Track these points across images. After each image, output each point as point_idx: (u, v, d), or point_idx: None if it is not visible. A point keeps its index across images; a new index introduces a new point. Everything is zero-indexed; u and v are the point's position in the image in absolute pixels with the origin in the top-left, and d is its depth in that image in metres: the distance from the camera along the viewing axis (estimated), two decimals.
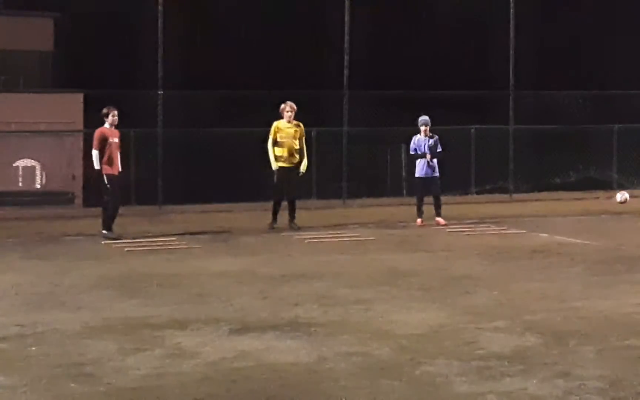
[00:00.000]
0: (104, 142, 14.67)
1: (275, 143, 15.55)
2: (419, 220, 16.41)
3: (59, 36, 26.83)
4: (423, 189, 16.56)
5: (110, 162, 14.68)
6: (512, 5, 22.62)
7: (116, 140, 14.85)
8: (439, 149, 16.57)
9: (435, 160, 16.42)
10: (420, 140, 16.47)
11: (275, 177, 15.68)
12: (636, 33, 27.64)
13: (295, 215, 15.75)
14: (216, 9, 27.98)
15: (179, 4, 22.69)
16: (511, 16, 22.64)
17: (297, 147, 15.61)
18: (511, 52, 22.64)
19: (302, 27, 27.77)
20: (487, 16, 26.09)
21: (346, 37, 21.57)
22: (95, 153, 14.68)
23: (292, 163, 15.60)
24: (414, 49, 28.37)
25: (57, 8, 26.45)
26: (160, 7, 20.13)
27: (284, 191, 15.66)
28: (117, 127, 14.92)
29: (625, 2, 27.69)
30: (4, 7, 26.95)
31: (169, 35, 20.39)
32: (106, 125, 14.83)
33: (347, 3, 21.51)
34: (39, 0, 26.25)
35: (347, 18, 21.57)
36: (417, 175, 16.62)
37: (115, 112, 14.87)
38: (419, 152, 16.48)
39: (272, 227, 15.58)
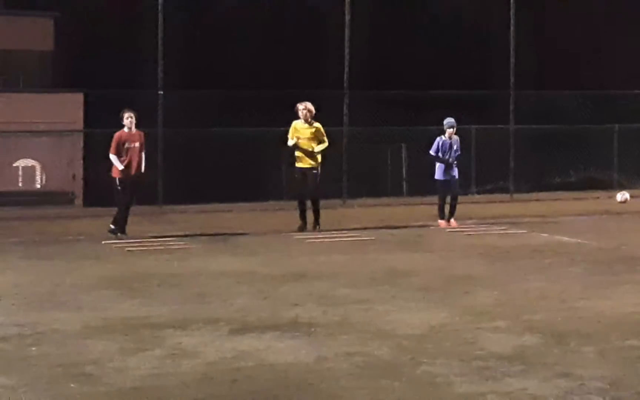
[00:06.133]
0: (121, 146, 14.64)
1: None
2: (441, 221, 16.33)
3: (59, 36, 26.82)
4: (444, 190, 16.47)
5: (128, 166, 14.65)
6: (512, 5, 22.61)
7: (136, 144, 14.75)
8: (459, 152, 16.56)
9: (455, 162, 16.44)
10: (446, 143, 16.35)
11: (294, 178, 15.62)
12: (636, 33, 27.64)
13: (319, 216, 15.52)
14: (216, 8, 27.98)
15: (179, 4, 22.68)
16: (511, 16, 22.64)
17: (315, 148, 15.36)
18: (511, 52, 22.64)
19: (302, 27, 27.77)
20: (487, 16, 26.10)
21: (346, 37, 21.57)
22: (112, 157, 14.65)
23: (310, 164, 15.42)
24: (414, 49, 28.37)
25: (57, 8, 26.43)
26: (160, 7, 20.13)
27: (304, 192, 15.52)
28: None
29: (625, 1, 27.70)
30: (4, 7, 26.94)
31: (169, 35, 20.38)
32: (125, 128, 14.79)
33: (347, 3, 21.50)
34: (38, 0, 26.24)
35: (347, 18, 21.57)
36: (437, 177, 16.47)
37: (131, 114, 14.76)
38: (440, 154, 16.35)
39: (303, 228, 15.42)
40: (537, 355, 7.07)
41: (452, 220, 16.36)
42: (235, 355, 7.14)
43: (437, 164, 16.41)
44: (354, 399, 6.05)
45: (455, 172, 16.50)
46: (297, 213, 15.68)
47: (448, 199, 16.49)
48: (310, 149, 15.33)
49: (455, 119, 16.63)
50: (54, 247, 13.95)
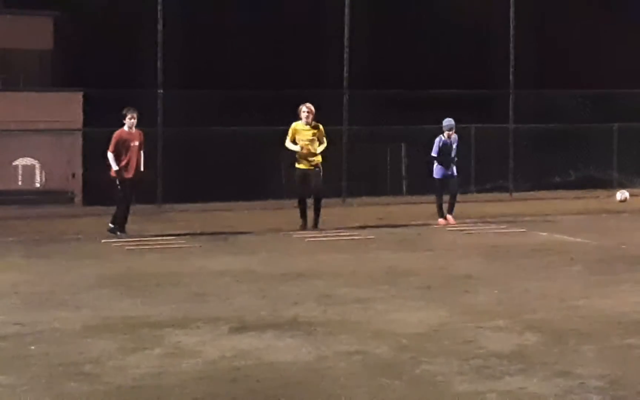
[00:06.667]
0: (120, 145, 14.64)
1: (294, 144, 15.40)
2: (441, 220, 16.34)
3: (59, 35, 26.83)
4: (443, 189, 16.49)
5: (126, 165, 14.65)
6: (512, 5, 22.61)
7: (136, 143, 14.75)
8: (458, 150, 16.59)
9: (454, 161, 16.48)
10: (446, 142, 16.36)
11: (295, 178, 15.66)
12: (636, 32, 27.64)
13: (320, 215, 15.52)
14: (216, 8, 27.97)
15: (179, 4, 22.68)
16: (511, 16, 22.64)
17: (316, 149, 15.33)
18: (511, 51, 22.64)
19: (303, 27, 27.76)
20: (487, 15, 26.09)
21: (346, 36, 21.57)
22: (110, 155, 14.65)
23: (311, 165, 15.41)
24: (414, 49, 28.37)
25: (57, 7, 26.44)
26: (160, 7, 20.13)
27: (305, 192, 15.54)
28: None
29: (624, 1, 27.69)
30: (4, 6, 26.94)
31: (169, 35, 20.38)
32: (125, 127, 14.79)
33: (347, 2, 21.50)
34: None
35: (347, 17, 21.56)
36: (436, 176, 16.49)
37: (134, 115, 14.76)
38: (441, 155, 16.36)
39: (303, 228, 15.43)
40: (536, 354, 7.06)
41: (450, 216, 16.37)
42: (235, 354, 7.13)
43: (436, 163, 16.43)
44: (353, 398, 6.05)
45: (454, 171, 16.52)
46: (297, 212, 15.68)
47: (446, 197, 16.51)
48: (312, 151, 15.32)
49: (455, 119, 16.64)
50: (53, 246, 13.95)
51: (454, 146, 16.45)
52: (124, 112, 14.83)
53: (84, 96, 24.28)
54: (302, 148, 15.29)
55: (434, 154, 16.43)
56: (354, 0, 21.64)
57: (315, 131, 15.35)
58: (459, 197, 17.07)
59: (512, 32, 22.61)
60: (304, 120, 15.36)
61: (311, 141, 15.33)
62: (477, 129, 23.17)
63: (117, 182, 14.69)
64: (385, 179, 25.31)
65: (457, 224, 16.19)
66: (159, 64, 20.20)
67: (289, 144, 15.44)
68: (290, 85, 21.05)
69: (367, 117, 22.27)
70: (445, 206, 16.46)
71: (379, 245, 13.89)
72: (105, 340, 7.59)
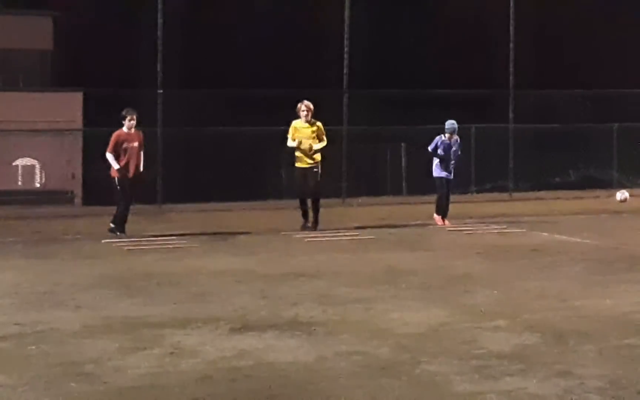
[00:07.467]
0: (119, 146, 14.64)
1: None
2: (437, 218, 16.30)
3: (59, 35, 26.85)
4: (443, 187, 16.45)
5: (126, 166, 14.66)
6: (512, 4, 22.62)
7: (135, 144, 14.75)
8: (459, 152, 16.59)
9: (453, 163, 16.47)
10: (445, 143, 16.35)
11: (295, 177, 15.65)
12: (636, 32, 27.65)
13: (319, 215, 15.52)
14: (216, 8, 27.98)
15: (179, 4, 22.70)
16: (511, 15, 22.65)
17: (313, 147, 15.30)
18: (511, 51, 22.65)
19: (302, 27, 27.78)
20: (488, 16, 26.10)
21: (346, 37, 21.57)
22: (109, 156, 14.65)
23: (310, 163, 15.40)
24: (414, 49, 28.38)
25: (57, 7, 26.45)
26: (160, 7, 20.13)
27: (305, 191, 15.56)
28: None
29: (624, 1, 27.70)
30: (4, 6, 26.96)
31: (168, 35, 20.39)
32: (124, 128, 14.79)
33: (347, 2, 21.51)
34: None
35: (347, 17, 21.57)
36: (437, 175, 16.46)
37: (134, 116, 14.75)
38: (439, 153, 16.35)
39: (305, 227, 15.42)
40: (536, 354, 7.06)
41: (445, 220, 16.36)
42: (235, 354, 7.13)
43: (435, 162, 16.41)
44: (353, 398, 6.05)
45: (452, 173, 16.51)
46: (297, 212, 15.70)
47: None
48: (310, 149, 15.32)
49: (455, 119, 16.64)
50: (53, 246, 13.95)
51: (454, 149, 16.44)
52: (123, 113, 14.82)
53: (83, 96, 24.29)
54: (300, 142, 15.25)
55: (430, 149, 16.41)
56: (353, 0, 21.64)
57: (314, 129, 15.36)
58: (458, 197, 17.09)
59: (512, 32, 22.62)
60: (303, 118, 15.38)
61: (311, 139, 15.32)
62: (477, 128, 23.17)
63: (117, 182, 14.71)
64: (385, 179, 25.32)
65: (453, 225, 16.18)
66: (158, 64, 20.20)
67: (290, 143, 15.46)
68: (290, 85, 21.05)
69: (367, 117, 22.28)
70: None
71: (379, 245, 13.89)
72: (105, 340, 7.59)
